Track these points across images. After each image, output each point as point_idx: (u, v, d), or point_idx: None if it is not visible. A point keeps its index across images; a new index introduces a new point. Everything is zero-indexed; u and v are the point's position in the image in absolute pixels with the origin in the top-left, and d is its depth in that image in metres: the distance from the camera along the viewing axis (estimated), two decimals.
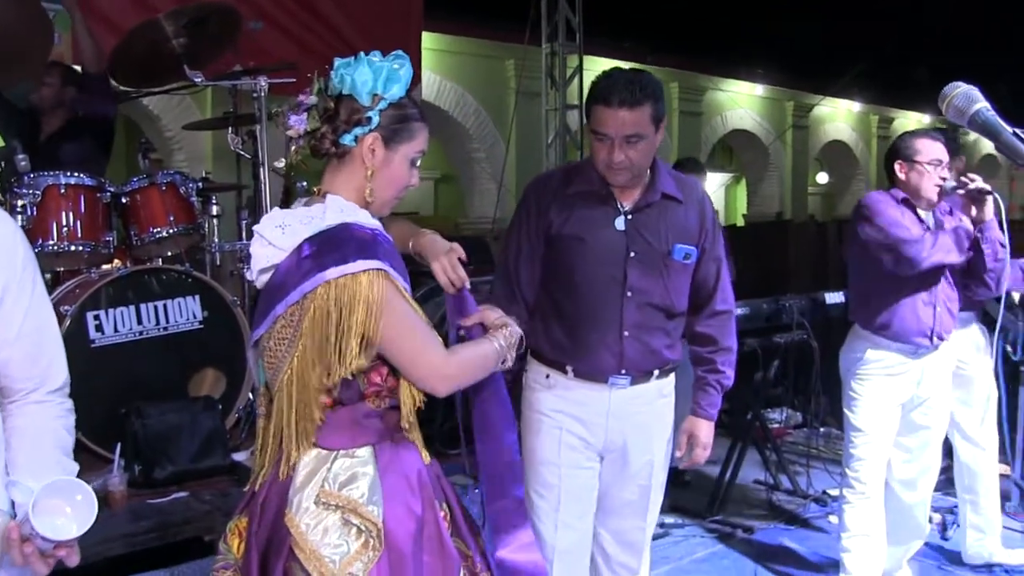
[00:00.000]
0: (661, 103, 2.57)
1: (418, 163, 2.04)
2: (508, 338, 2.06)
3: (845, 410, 3.76)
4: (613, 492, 2.77)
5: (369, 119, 1.91)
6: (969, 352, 4.07)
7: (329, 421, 1.89)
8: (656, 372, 2.73)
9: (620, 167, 2.55)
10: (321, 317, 1.81)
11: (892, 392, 3.64)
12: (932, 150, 3.52)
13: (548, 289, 2.70)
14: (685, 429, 2.84)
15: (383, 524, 1.85)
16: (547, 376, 2.71)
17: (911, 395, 3.66)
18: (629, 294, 2.63)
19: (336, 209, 1.90)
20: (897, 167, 3.59)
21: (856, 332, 3.74)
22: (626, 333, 2.64)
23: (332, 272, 1.80)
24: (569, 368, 2.68)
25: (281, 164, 2.05)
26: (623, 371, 2.66)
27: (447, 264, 2.15)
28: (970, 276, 3.55)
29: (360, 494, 1.86)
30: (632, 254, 2.62)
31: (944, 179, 3.50)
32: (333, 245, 1.84)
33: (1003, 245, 3.41)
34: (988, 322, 3.93)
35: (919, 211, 3.57)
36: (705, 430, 2.83)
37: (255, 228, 1.94)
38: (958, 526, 4.31)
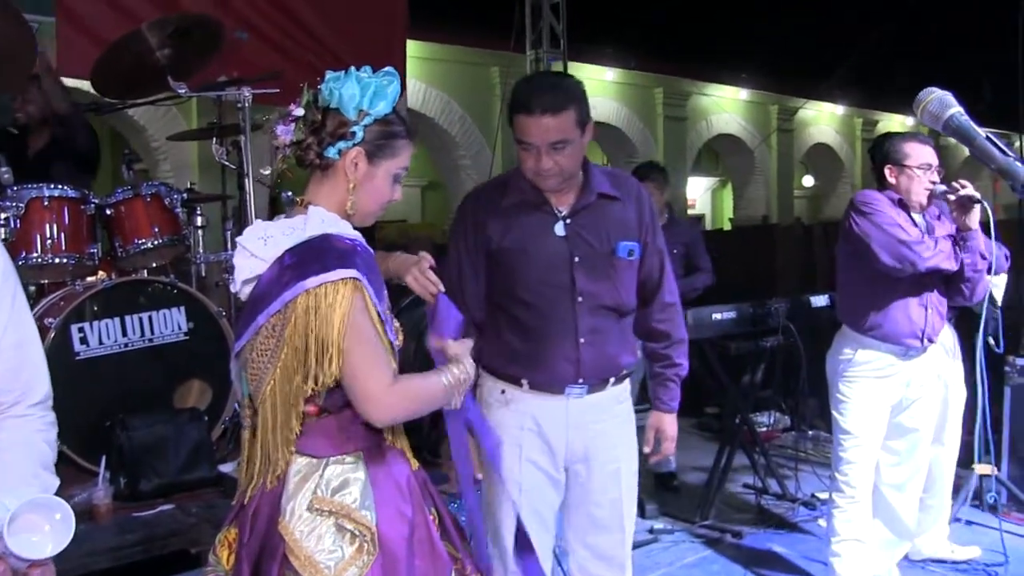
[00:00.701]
0: (584, 105, 2.53)
1: (401, 179, 2.05)
2: (457, 376, 2.02)
3: (833, 413, 3.74)
4: (584, 506, 2.73)
5: (353, 134, 1.93)
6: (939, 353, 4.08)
7: (317, 429, 1.90)
8: (612, 380, 2.71)
9: (548, 174, 2.51)
10: (301, 326, 1.82)
11: (881, 394, 3.63)
12: (921, 154, 3.52)
13: (498, 303, 2.66)
14: (651, 424, 2.83)
15: (376, 528, 1.86)
16: (502, 392, 2.67)
17: (900, 397, 3.65)
18: (580, 299, 2.60)
19: (317, 220, 1.91)
20: (887, 171, 3.59)
21: (844, 333, 3.73)
22: (582, 340, 2.61)
23: (312, 281, 1.82)
24: (524, 381, 2.64)
25: (267, 172, 2.06)
26: (580, 379, 2.63)
27: (418, 274, 2.21)
28: (947, 283, 3.56)
29: (353, 499, 1.88)
30: (576, 258, 2.59)
31: (934, 182, 3.51)
32: (313, 255, 1.85)
33: (983, 256, 3.42)
34: (969, 318, 3.94)
35: (912, 214, 3.57)
36: (669, 423, 2.83)
37: (238, 240, 1.95)
38: None
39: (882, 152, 3.65)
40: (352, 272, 1.84)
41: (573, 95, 2.49)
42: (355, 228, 1.99)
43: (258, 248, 1.90)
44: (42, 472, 1.74)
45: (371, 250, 1.97)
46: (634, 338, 2.80)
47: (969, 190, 3.38)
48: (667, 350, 2.82)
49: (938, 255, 3.40)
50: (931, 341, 3.60)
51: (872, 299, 3.58)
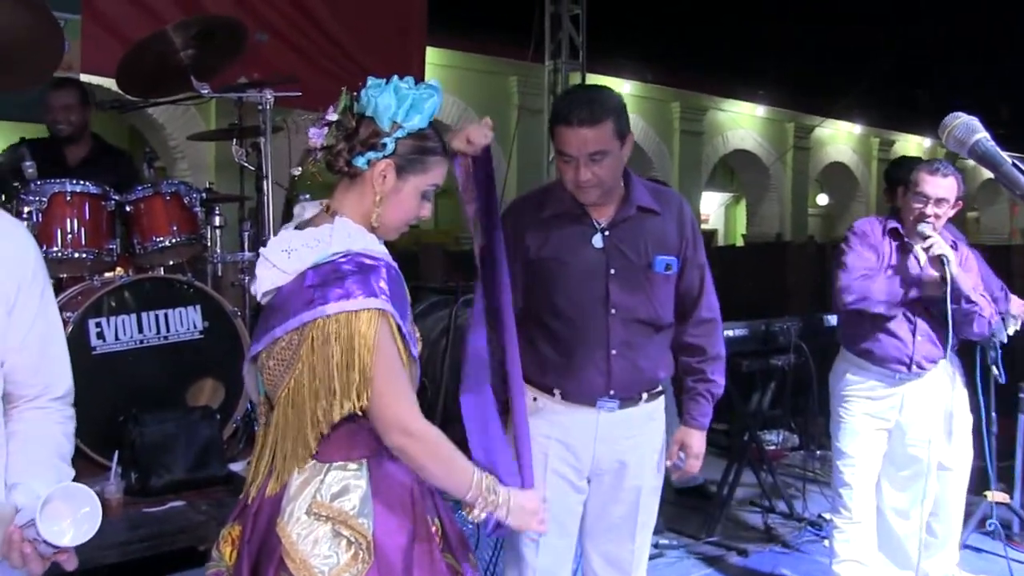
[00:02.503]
0: (623, 117, 2.56)
1: (431, 196, 2.04)
2: (486, 496, 1.95)
3: (832, 435, 3.82)
4: (601, 515, 2.76)
5: (384, 145, 1.92)
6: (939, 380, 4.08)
7: (326, 435, 1.89)
8: (644, 395, 2.72)
9: (587, 185, 2.53)
10: (320, 349, 1.81)
11: (874, 416, 3.69)
12: (922, 184, 3.50)
13: (532, 312, 2.67)
14: (677, 439, 2.83)
15: (373, 537, 1.86)
16: (534, 399, 2.68)
17: (894, 420, 3.69)
18: (613, 311, 2.62)
19: (344, 234, 1.89)
20: (899, 191, 3.73)
21: (842, 355, 3.82)
22: (613, 351, 2.62)
23: (332, 307, 1.81)
24: (556, 391, 2.67)
25: (297, 172, 2.07)
26: (611, 392, 2.64)
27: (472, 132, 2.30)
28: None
29: (351, 506, 1.87)
30: (612, 271, 2.61)
31: (924, 215, 3.48)
32: (337, 277, 1.83)
33: (969, 300, 3.45)
34: (970, 348, 3.94)
35: (907, 239, 3.61)
36: (697, 440, 2.82)
37: (261, 251, 1.94)
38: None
39: (907, 170, 3.75)
40: (375, 302, 1.82)
41: (611, 107, 2.52)
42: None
43: (281, 260, 1.89)
44: (59, 463, 1.76)
45: (396, 266, 1.95)
46: (670, 353, 2.82)
47: (936, 247, 3.39)
48: (701, 364, 2.82)
49: (860, 301, 3.54)
50: (920, 368, 3.63)
51: (862, 322, 3.65)
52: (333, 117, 1.95)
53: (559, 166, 2.60)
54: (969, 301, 3.46)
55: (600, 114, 2.48)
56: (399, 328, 1.88)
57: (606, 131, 2.50)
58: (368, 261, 1.87)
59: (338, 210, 1.96)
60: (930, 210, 3.48)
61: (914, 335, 3.59)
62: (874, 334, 3.63)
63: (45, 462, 1.73)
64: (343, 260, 1.85)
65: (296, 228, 1.98)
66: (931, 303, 3.54)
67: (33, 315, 1.73)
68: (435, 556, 1.95)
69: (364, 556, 1.84)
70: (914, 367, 3.61)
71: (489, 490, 1.96)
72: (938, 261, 3.39)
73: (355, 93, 1.96)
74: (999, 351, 4.13)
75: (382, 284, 1.85)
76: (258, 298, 1.97)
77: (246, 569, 1.87)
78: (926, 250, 3.45)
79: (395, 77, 1.96)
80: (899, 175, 4.27)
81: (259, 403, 2.03)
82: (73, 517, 1.53)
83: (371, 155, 1.92)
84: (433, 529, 1.98)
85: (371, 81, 1.95)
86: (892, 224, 3.67)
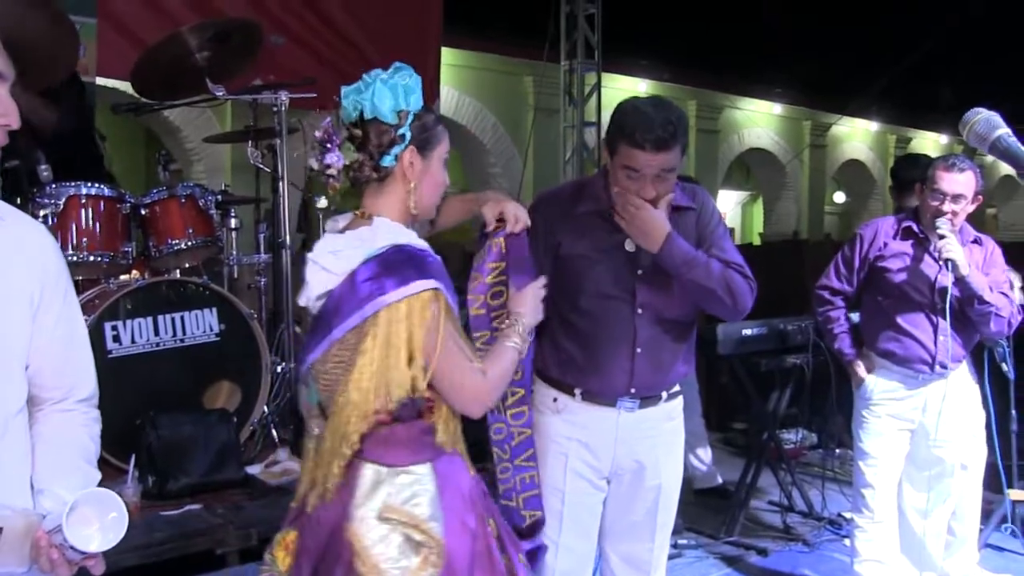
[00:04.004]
0: (687, 134, 2.55)
1: (447, 162, 2.10)
2: (521, 334, 2.13)
3: (854, 435, 3.81)
4: (621, 516, 2.75)
5: (403, 136, 1.95)
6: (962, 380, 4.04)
7: (388, 438, 1.92)
8: (664, 395, 2.71)
9: (651, 200, 2.51)
10: (383, 340, 1.85)
11: (898, 417, 3.67)
12: (939, 181, 3.48)
13: (557, 307, 2.62)
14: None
15: (443, 540, 1.90)
16: (554, 399, 2.67)
17: (918, 421, 3.66)
18: (640, 311, 2.60)
19: (385, 231, 1.93)
20: (916, 188, 3.66)
21: (864, 355, 3.79)
22: (638, 350, 2.61)
23: (392, 296, 1.85)
24: (577, 391, 2.65)
25: (323, 204, 2.10)
26: (632, 390, 2.63)
27: (517, 209, 2.34)
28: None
29: (422, 511, 1.90)
30: (640, 271, 2.59)
31: (942, 212, 3.47)
32: (391, 267, 1.87)
33: (982, 300, 3.43)
34: (979, 345, 3.92)
35: (926, 236, 3.59)
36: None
37: (309, 256, 1.96)
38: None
39: (923, 167, 3.71)
40: (432, 283, 1.88)
41: (683, 130, 2.49)
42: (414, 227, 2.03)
43: (330, 262, 1.92)
44: (84, 465, 1.77)
45: (439, 259, 1.99)
46: (693, 347, 2.79)
47: (944, 251, 3.40)
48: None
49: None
50: (944, 368, 3.59)
51: (885, 323, 3.66)
52: (343, 134, 1.96)
53: (619, 175, 2.52)
54: (982, 302, 3.43)
55: (674, 140, 2.45)
56: (453, 309, 1.94)
57: (676, 153, 2.48)
58: (415, 252, 1.93)
59: (373, 213, 1.99)
60: (947, 207, 3.46)
61: (936, 335, 3.56)
62: (896, 334, 3.62)
63: (71, 466, 1.74)
64: (392, 252, 1.89)
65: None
66: (954, 301, 3.49)
67: (57, 317, 1.73)
68: (494, 556, 1.99)
69: (435, 560, 1.88)
70: (937, 367, 3.58)
71: (525, 338, 2.15)
72: (948, 263, 3.39)
73: (334, 107, 1.98)
74: (1007, 348, 4.10)
75: (433, 268, 1.92)
76: (310, 304, 1.98)
77: (306, 574, 1.89)
78: (940, 255, 3.44)
79: (363, 75, 1.97)
80: (914, 173, 4.23)
81: (310, 413, 2.03)
82: (100, 522, 1.53)
83: (395, 151, 1.95)
84: (489, 529, 2.01)
85: (345, 89, 1.98)
86: (907, 223, 3.65)
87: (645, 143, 2.43)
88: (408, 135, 1.95)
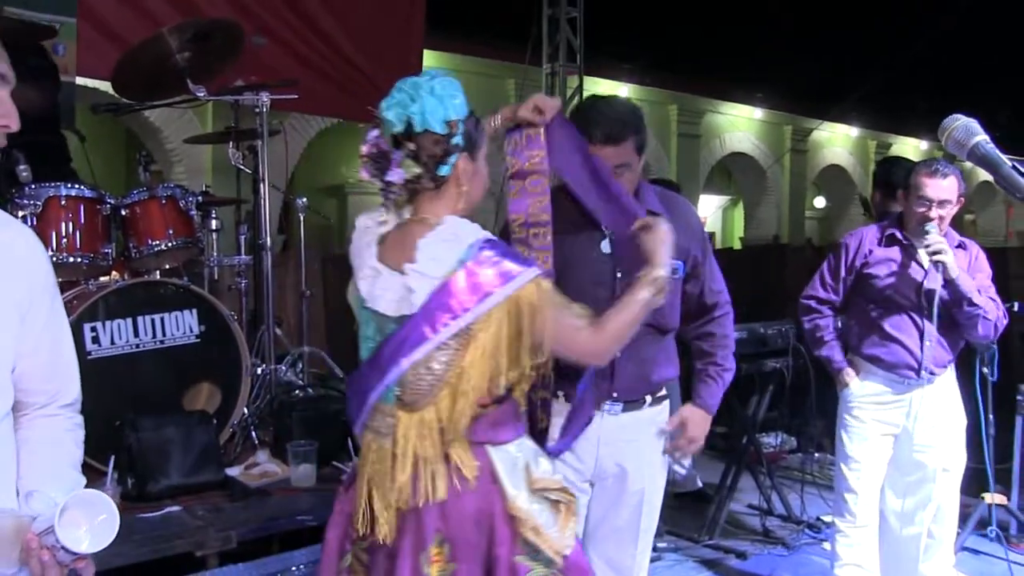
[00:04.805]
0: (643, 131, 2.59)
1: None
2: (654, 285, 2.19)
3: (837, 438, 3.81)
4: (604, 519, 2.75)
5: (456, 145, 1.99)
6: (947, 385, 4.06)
7: (494, 420, 2.03)
8: (648, 399, 2.71)
9: None
10: (496, 331, 1.94)
11: (883, 422, 3.67)
12: (923, 187, 3.48)
13: None
14: (679, 415, 2.77)
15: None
16: None
17: (902, 426, 3.67)
18: None
19: (462, 228, 2.00)
20: (900, 195, 3.70)
21: (848, 358, 3.79)
22: (619, 354, 2.61)
23: (501, 291, 1.93)
24: (560, 394, 2.63)
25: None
26: (615, 394, 2.64)
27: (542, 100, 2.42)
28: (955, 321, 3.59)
29: (546, 470, 2.09)
30: (619, 275, 2.59)
31: (928, 219, 3.47)
32: (491, 263, 1.95)
33: (972, 303, 3.45)
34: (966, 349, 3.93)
35: (911, 243, 3.60)
36: (699, 420, 2.77)
37: (411, 267, 1.98)
38: None
39: (905, 173, 3.75)
40: (533, 269, 1.97)
41: (634, 125, 2.55)
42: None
43: (431, 268, 1.96)
44: (71, 471, 1.76)
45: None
46: (675, 352, 2.82)
47: (935, 245, 3.40)
48: (711, 348, 2.83)
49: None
50: (931, 373, 3.60)
51: (872, 328, 3.67)
52: (400, 152, 1.98)
53: None
54: (971, 304, 3.45)
55: (625, 133, 2.52)
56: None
57: (629, 148, 2.53)
58: (499, 242, 2.02)
59: (430, 216, 2.03)
60: (934, 212, 3.47)
61: (923, 340, 3.56)
62: (883, 340, 3.63)
63: (58, 470, 1.73)
64: (485, 246, 1.96)
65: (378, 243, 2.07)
66: (938, 308, 3.49)
67: (44, 321, 1.73)
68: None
69: (573, 508, 2.08)
70: (923, 373, 3.58)
71: (656, 285, 2.20)
72: (938, 265, 3.40)
73: (376, 121, 2.01)
74: (996, 351, 4.12)
75: (521, 254, 2.06)
76: (389, 310, 2.01)
77: (476, 568, 1.96)
78: (930, 254, 3.43)
79: (406, 84, 2.00)
80: (896, 178, 4.24)
81: (383, 412, 2.05)
82: (90, 524, 1.53)
83: (451, 160, 1.99)
84: None
85: (388, 101, 2.00)
86: (891, 230, 3.66)
87: (594, 137, 2.49)
88: (461, 143, 2.00)
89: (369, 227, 2.11)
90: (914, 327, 3.58)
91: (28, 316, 1.69)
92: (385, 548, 2.00)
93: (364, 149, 2.01)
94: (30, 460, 1.71)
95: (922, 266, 3.55)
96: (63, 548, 1.50)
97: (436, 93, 1.97)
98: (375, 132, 2.01)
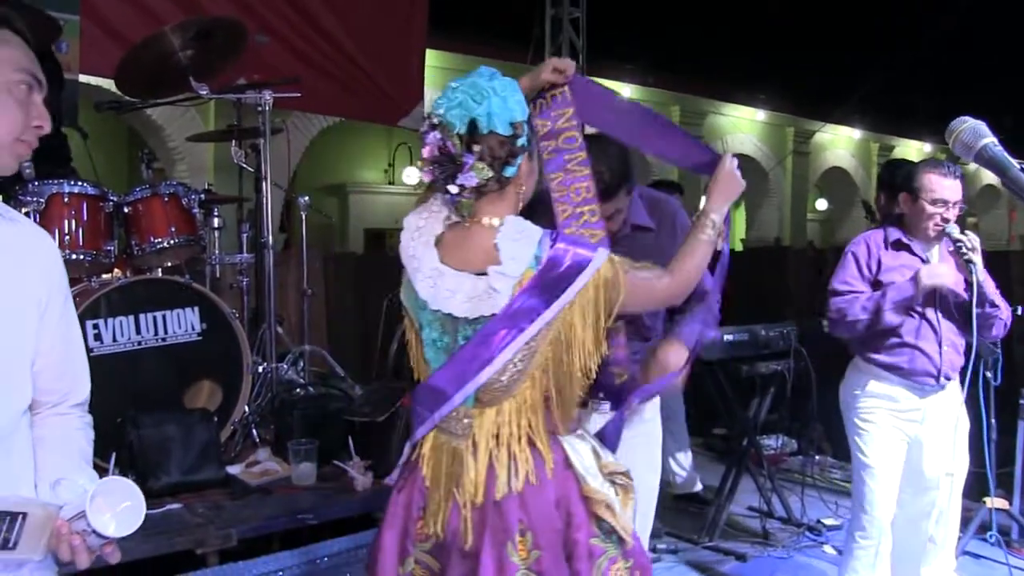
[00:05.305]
0: (633, 175, 2.60)
1: None
2: (714, 224, 2.27)
3: (853, 448, 3.66)
4: None
5: (522, 146, 1.99)
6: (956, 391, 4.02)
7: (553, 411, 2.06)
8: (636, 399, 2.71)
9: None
10: (581, 317, 1.97)
11: (898, 429, 3.57)
12: (939, 188, 3.39)
13: None
14: (653, 345, 2.68)
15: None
16: None
17: (915, 433, 3.58)
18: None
19: (526, 225, 2.01)
20: (902, 199, 3.53)
21: (858, 366, 3.67)
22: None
23: (580, 279, 1.95)
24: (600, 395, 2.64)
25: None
26: (600, 394, 2.62)
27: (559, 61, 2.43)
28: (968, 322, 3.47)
29: (613, 458, 2.16)
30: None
31: (947, 220, 3.39)
32: (563, 254, 1.96)
33: (993, 304, 3.38)
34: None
35: (915, 248, 3.51)
36: (675, 348, 2.61)
37: (496, 269, 1.97)
38: None
39: (903, 176, 3.59)
40: (603, 250, 2.00)
41: (623, 174, 2.55)
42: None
43: (511, 268, 1.96)
44: (85, 466, 1.78)
45: None
46: None
47: (967, 244, 3.32)
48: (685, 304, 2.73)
49: (840, 328, 3.54)
50: (947, 379, 3.53)
51: (890, 337, 3.51)
52: (472, 156, 1.96)
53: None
54: (993, 305, 3.38)
55: (614, 187, 2.52)
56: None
57: (620, 198, 2.54)
58: (561, 232, 2.07)
59: (491, 216, 2.02)
60: (950, 213, 3.39)
61: (940, 346, 3.48)
62: (903, 348, 3.50)
63: (75, 464, 1.75)
64: (554, 240, 1.98)
65: (436, 244, 2.06)
66: (957, 309, 3.45)
67: (58, 321, 1.76)
68: None
69: (631, 490, 2.13)
70: (941, 379, 3.50)
71: (714, 226, 2.27)
72: (965, 266, 3.31)
73: (436, 123, 1.97)
74: (1000, 354, 4.10)
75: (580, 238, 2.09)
76: (466, 312, 2.00)
77: (556, 554, 1.98)
78: (962, 254, 3.32)
79: (464, 84, 1.99)
80: (901, 181, 4.22)
81: (463, 415, 2.05)
82: (117, 510, 1.56)
83: (517, 161, 2.00)
84: None
85: (448, 103, 1.97)
86: (895, 235, 3.56)
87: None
88: (525, 144, 1.99)
89: (421, 227, 2.08)
90: (932, 332, 3.48)
91: (45, 314, 1.72)
92: (458, 547, 1.99)
93: (426, 152, 1.97)
94: (47, 456, 1.73)
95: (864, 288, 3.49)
96: (94, 532, 1.53)
97: (500, 94, 1.96)
98: (435, 134, 1.96)
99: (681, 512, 5.24)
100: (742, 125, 18.11)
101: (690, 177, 16.00)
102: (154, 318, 3.90)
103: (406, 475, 2.13)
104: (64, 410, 1.80)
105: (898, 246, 3.55)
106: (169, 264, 4.30)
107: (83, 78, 5.92)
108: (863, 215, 6.82)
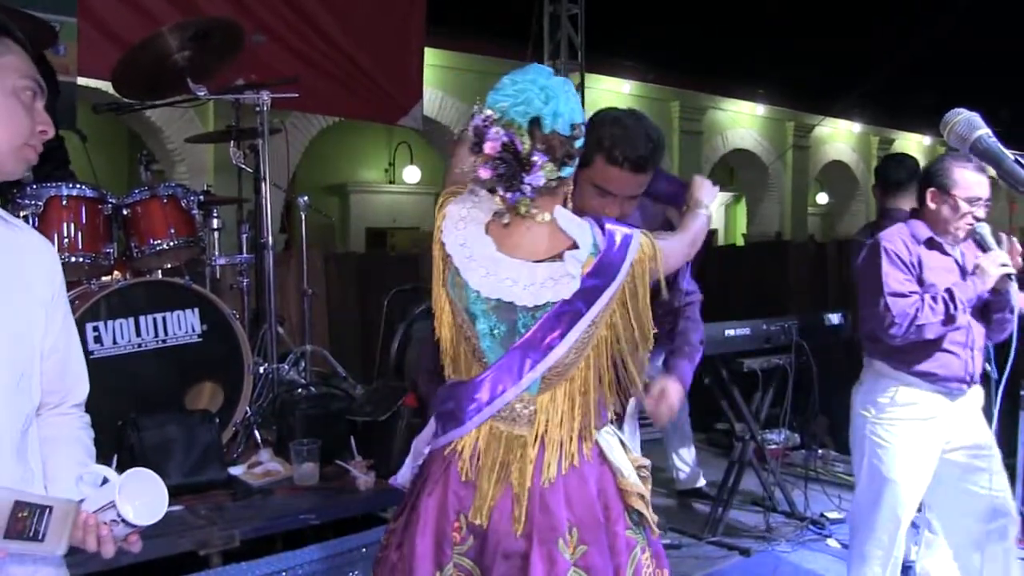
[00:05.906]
0: (664, 152, 2.53)
1: None
2: (707, 208, 2.40)
3: (873, 461, 3.42)
4: None
5: (579, 148, 2.01)
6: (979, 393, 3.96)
7: (596, 401, 2.09)
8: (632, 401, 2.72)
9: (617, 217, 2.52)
10: (632, 294, 2.03)
11: (927, 438, 3.35)
12: (975, 185, 3.23)
13: None
14: (658, 383, 2.69)
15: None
16: None
17: (944, 440, 3.37)
18: None
19: (571, 215, 2.03)
20: (929, 195, 3.31)
21: (880, 371, 3.44)
22: None
23: (628, 258, 2.00)
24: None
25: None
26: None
27: None
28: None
29: (637, 452, 2.23)
30: None
31: (977, 219, 3.25)
32: (612, 236, 2.01)
33: (1012, 310, 3.27)
34: None
35: (946, 247, 3.33)
36: (677, 390, 2.69)
37: (567, 253, 2.00)
38: (916, 544, 4.06)
39: (928, 172, 3.37)
40: (637, 231, 2.05)
41: (661, 149, 2.44)
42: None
43: (574, 268, 1.98)
44: (90, 463, 1.80)
45: None
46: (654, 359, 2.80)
47: (1002, 263, 3.19)
48: (684, 329, 2.87)
49: (911, 332, 3.19)
50: (974, 381, 3.38)
51: (923, 342, 3.27)
52: (541, 158, 1.94)
53: (589, 193, 2.41)
54: (1012, 311, 3.27)
55: (655, 160, 2.42)
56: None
57: (647, 177, 2.44)
58: (604, 217, 2.10)
59: (543, 211, 2.02)
60: (981, 212, 3.25)
61: (971, 349, 3.31)
62: (939, 353, 3.29)
63: (78, 463, 1.78)
64: (601, 224, 2.03)
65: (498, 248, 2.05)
66: (985, 312, 3.33)
67: (59, 324, 1.79)
68: None
69: (649, 485, 2.16)
70: (971, 382, 3.35)
71: (706, 208, 2.41)
72: (1006, 276, 3.19)
73: (496, 118, 1.96)
74: (992, 349, 4.09)
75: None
76: (528, 301, 2.00)
77: (602, 544, 2.01)
78: (1002, 263, 3.20)
79: (525, 80, 1.98)
80: (900, 173, 4.19)
81: (525, 401, 2.05)
82: (141, 500, 1.61)
83: (574, 162, 2.01)
84: None
85: (510, 99, 1.96)
86: (926, 233, 3.32)
87: (624, 161, 2.35)
88: (581, 147, 2.01)
89: (465, 216, 2.07)
90: (965, 336, 3.28)
91: (50, 316, 1.76)
92: (500, 547, 1.97)
93: (488, 148, 1.93)
94: (56, 456, 1.76)
95: (964, 270, 3.30)
96: (122, 521, 1.57)
97: (564, 96, 1.95)
98: (498, 129, 1.93)
99: (684, 508, 5.24)
100: (742, 120, 18.07)
101: (687, 175, 15.99)
102: (154, 320, 3.89)
103: (436, 477, 2.07)
104: (66, 410, 1.83)
105: (931, 244, 3.34)
106: (169, 266, 4.29)
107: (81, 80, 5.93)
108: (863, 209, 6.80)
